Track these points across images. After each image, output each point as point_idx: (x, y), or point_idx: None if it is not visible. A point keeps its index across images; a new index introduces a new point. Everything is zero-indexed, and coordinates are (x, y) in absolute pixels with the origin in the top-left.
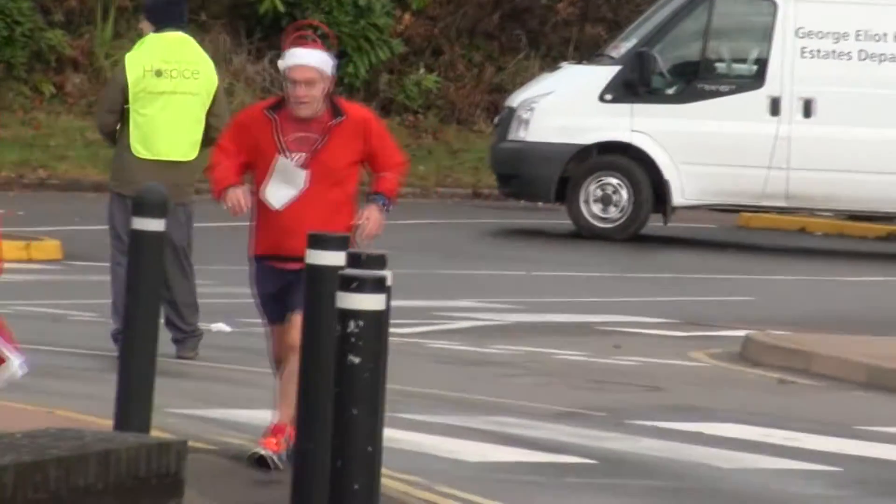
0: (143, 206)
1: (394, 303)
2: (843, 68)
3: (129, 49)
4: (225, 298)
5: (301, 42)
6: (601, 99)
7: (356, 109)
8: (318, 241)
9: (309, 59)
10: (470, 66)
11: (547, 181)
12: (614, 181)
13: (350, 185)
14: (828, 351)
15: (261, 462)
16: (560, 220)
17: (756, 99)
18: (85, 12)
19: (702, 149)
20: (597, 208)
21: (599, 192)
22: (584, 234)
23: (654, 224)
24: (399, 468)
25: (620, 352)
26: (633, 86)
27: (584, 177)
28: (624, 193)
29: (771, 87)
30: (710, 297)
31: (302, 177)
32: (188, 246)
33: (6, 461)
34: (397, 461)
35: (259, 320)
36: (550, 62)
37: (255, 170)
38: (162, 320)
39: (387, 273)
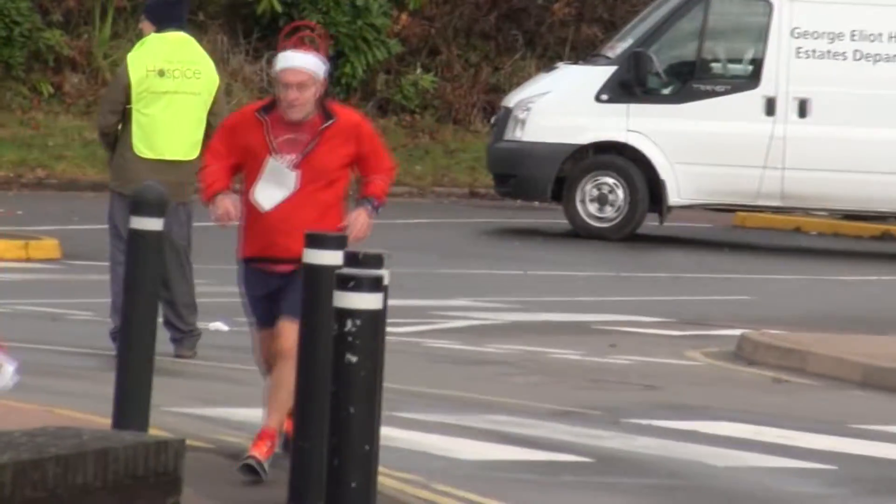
0: (141, 206)
1: (391, 302)
2: (839, 68)
3: (127, 49)
4: (223, 297)
5: (294, 45)
6: (597, 99)
7: (347, 113)
8: (315, 241)
9: (301, 63)
10: (466, 66)
11: (543, 181)
12: (610, 181)
13: (339, 187)
14: (823, 350)
15: (248, 469)
16: (556, 219)
17: (751, 99)
18: (83, 13)
19: (697, 148)
20: (593, 208)
21: (596, 192)
22: (580, 233)
23: (650, 223)
24: (396, 466)
25: (616, 351)
26: (629, 86)
27: (580, 176)
28: (620, 193)
29: (766, 87)
30: (705, 297)
31: (292, 178)
32: (188, 245)
33: (5, 459)
34: (394, 459)
35: None
36: (547, 62)
37: (245, 171)
38: (160, 320)
39: (384, 272)
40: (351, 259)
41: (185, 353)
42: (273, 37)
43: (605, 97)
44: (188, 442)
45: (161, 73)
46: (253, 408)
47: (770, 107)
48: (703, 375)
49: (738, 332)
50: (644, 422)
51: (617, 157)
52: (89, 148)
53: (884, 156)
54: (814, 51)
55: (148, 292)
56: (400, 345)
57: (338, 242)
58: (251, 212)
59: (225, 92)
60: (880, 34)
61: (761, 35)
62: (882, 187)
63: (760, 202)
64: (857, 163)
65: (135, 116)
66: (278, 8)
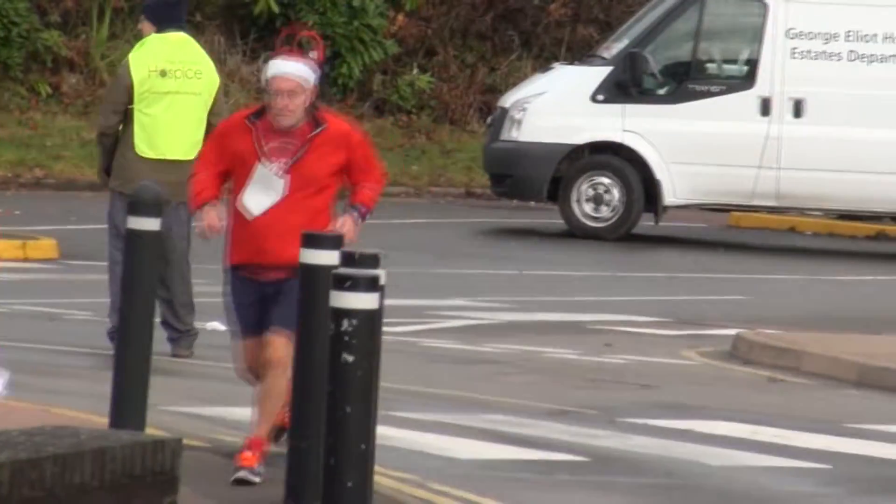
0: (138, 206)
1: (387, 302)
2: (833, 69)
3: (125, 50)
4: (220, 297)
5: (284, 52)
6: (593, 99)
7: (337, 121)
8: (311, 241)
9: (291, 70)
10: (463, 66)
11: (539, 181)
12: (606, 181)
13: (328, 195)
14: (818, 349)
15: (241, 482)
16: (552, 219)
17: (746, 99)
18: (81, 13)
19: (693, 149)
20: (589, 208)
21: (591, 192)
22: (576, 233)
23: (646, 223)
24: (392, 466)
25: (612, 350)
26: (624, 86)
27: (576, 176)
28: (616, 193)
29: (761, 87)
30: (701, 296)
31: (280, 185)
32: (188, 245)
33: (2, 458)
34: (390, 459)
35: None
36: (543, 63)
37: (233, 177)
38: (158, 319)
39: (380, 272)
40: (347, 259)
41: (182, 352)
42: (270, 38)
43: (600, 97)
44: (185, 441)
45: (163, 74)
46: (249, 407)
47: (765, 107)
48: (699, 375)
49: (733, 331)
50: (640, 421)
51: (613, 157)
52: (87, 148)
53: (879, 156)
54: (809, 51)
55: (145, 292)
56: (396, 344)
57: (334, 242)
58: (238, 218)
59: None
60: (875, 35)
61: (756, 36)
62: (877, 187)
63: (756, 202)
64: (852, 163)
65: (137, 117)
66: (275, 9)
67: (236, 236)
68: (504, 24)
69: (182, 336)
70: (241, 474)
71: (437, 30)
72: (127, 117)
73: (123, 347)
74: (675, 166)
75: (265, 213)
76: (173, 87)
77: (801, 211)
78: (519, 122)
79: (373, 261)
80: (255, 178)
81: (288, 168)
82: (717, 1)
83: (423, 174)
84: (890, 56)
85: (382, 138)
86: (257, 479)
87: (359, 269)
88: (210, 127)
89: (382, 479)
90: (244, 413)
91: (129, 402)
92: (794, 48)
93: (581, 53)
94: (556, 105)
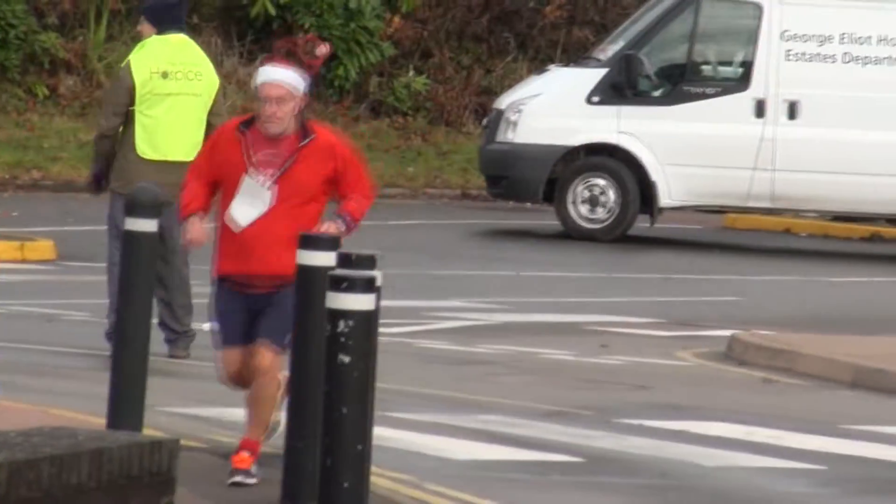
0: (135, 207)
1: (383, 303)
2: (828, 71)
3: (122, 52)
4: None
5: (274, 59)
6: (588, 101)
7: (325, 133)
8: (308, 242)
9: (280, 77)
10: (459, 68)
11: (535, 182)
12: (602, 182)
13: (316, 206)
14: (813, 350)
15: (237, 485)
16: (548, 220)
17: (741, 101)
18: (78, 15)
19: (688, 150)
20: (584, 209)
21: (587, 194)
22: (571, 234)
23: (641, 225)
24: (388, 466)
25: (607, 351)
26: (620, 88)
27: (571, 178)
28: (611, 194)
29: (756, 89)
30: (696, 298)
31: (268, 196)
32: None
33: (0, 459)
34: (386, 459)
35: None
36: (538, 65)
37: (222, 188)
38: (155, 321)
39: (376, 273)
40: (344, 260)
41: (179, 353)
42: (266, 40)
43: (596, 99)
44: (182, 442)
45: (164, 75)
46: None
47: (760, 109)
48: (694, 376)
49: (728, 332)
50: (635, 422)
51: (608, 158)
52: (84, 149)
53: (873, 157)
54: (803, 53)
55: (142, 293)
56: (392, 345)
57: (331, 244)
58: (226, 229)
59: None
60: (869, 37)
61: (751, 38)
62: (872, 189)
63: (750, 204)
64: (847, 164)
65: (138, 118)
66: (272, 11)
67: (224, 247)
68: (500, 26)
69: (179, 337)
70: (238, 478)
71: (434, 32)
72: (127, 119)
73: (121, 348)
74: (670, 168)
75: (252, 224)
76: (174, 89)
77: (796, 212)
78: (514, 124)
79: (369, 262)
80: (242, 189)
81: (276, 179)
82: (712, 3)
83: (419, 176)
84: (884, 58)
85: (378, 140)
86: (253, 481)
87: (355, 270)
88: (210, 127)
89: (379, 479)
90: (240, 413)
91: (126, 402)
92: (789, 50)
93: (576, 55)
94: (552, 107)
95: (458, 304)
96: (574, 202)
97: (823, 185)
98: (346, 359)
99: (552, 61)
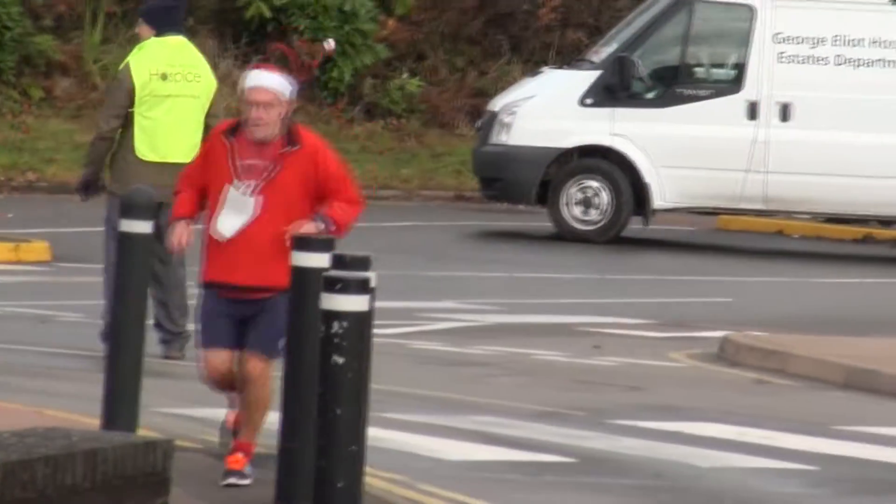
0: (130, 209)
1: (377, 304)
2: (820, 73)
3: (118, 54)
4: None
5: (261, 65)
6: (582, 103)
7: (311, 139)
8: (302, 243)
9: (267, 82)
10: (453, 70)
11: (528, 184)
12: (595, 184)
13: (302, 213)
14: (805, 351)
15: (231, 486)
16: (541, 222)
17: (734, 103)
18: (74, 17)
19: (681, 152)
20: (578, 211)
21: (580, 195)
22: (565, 236)
23: (635, 226)
24: (382, 467)
25: (600, 352)
26: (613, 90)
27: (565, 180)
28: (604, 196)
29: (749, 91)
30: (688, 299)
31: (251, 205)
32: None
33: None
34: (381, 460)
35: None
36: (532, 67)
37: (209, 196)
38: (150, 322)
39: (371, 274)
40: (338, 261)
41: (174, 354)
42: (261, 42)
43: (589, 101)
44: (176, 442)
45: (164, 77)
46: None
47: (752, 111)
48: (687, 377)
49: (720, 333)
50: (628, 422)
51: (601, 160)
52: (79, 151)
53: (865, 159)
54: (796, 55)
55: (137, 294)
56: (386, 346)
57: (325, 245)
58: (213, 237)
59: None
60: (862, 39)
61: (744, 40)
62: (864, 190)
63: (743, 205)
64: (839, 166)
65: (137, 120)
66: (267, 13)
67: (211, 254)
68: (494, 28)
69: (174, 338)
70: (232, 479)
71: (428, 34)
72: (125, 121)
73: (115, 349)
74: (663, 170)
75: (238, 234)
76: (173, 91)
77: (789, 214)
78: (508, 126)
79: (363, 263)
80: (226, 201)
81: (260, 188)
82: (706, 5)
83: (413, 177)
84: (877, 60)
85: (373, 142)
86: (247, 482)
87: (349, 271)
88: (207, 129)
89: (373, 480)
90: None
91: (120, 403)
92: (782, 52)
93: (570, 57)
94: (546, 109)
95: (452, 305)
96: (567, 204)
97: (816, 186)
98: (341, 360)
99: (546, 63)
